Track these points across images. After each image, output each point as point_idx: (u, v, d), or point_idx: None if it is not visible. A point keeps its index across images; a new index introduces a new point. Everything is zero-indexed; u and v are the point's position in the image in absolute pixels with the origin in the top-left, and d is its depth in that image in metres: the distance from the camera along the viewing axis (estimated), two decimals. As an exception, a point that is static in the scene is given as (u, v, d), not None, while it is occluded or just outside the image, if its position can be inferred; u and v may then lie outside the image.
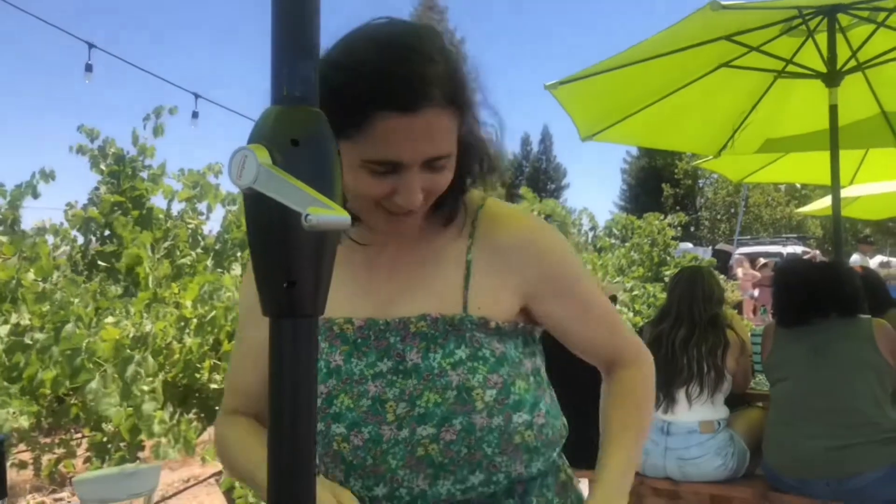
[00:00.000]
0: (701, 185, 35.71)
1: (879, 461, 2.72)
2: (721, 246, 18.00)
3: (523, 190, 8.43)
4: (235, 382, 1.25)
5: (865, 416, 2.81)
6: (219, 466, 4.69)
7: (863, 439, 2.78)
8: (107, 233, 3.80)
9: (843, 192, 7.05)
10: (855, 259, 9.78)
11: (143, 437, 3.52)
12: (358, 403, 1.10)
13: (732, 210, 27.34)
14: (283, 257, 0.63)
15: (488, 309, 1.11)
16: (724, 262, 14.80)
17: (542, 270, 1.16)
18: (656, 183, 36.57)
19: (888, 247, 27.11)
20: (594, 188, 70.94)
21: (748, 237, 24.03)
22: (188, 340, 3.86)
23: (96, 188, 4.08)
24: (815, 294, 3.03)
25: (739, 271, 12.91)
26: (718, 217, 31.32)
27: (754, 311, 10.51)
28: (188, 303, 3.99)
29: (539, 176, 45.93)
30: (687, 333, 3.13)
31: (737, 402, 3.35)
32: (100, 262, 3.80)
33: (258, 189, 0.58)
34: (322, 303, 0.70)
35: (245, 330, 1.24)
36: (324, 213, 0.53)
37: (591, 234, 10.42)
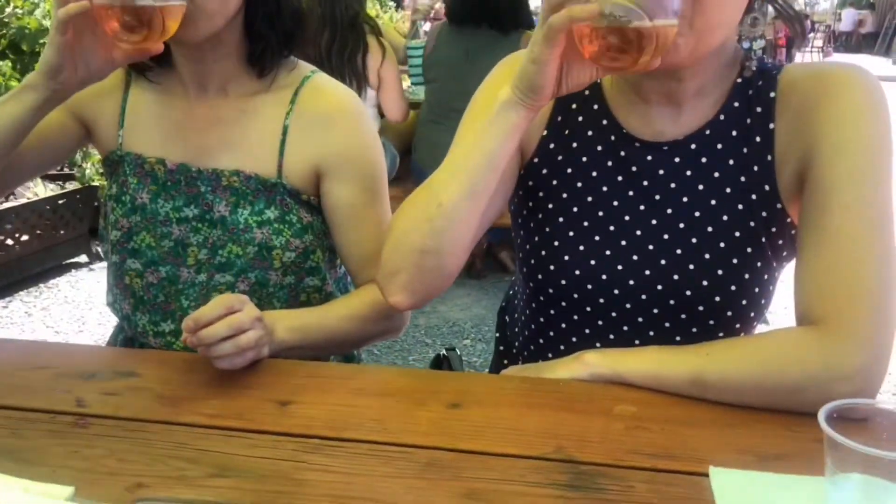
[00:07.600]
0: None
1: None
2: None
3: None
4: None
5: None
6: None
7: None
8: None
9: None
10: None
11: None
12: (160, 243, 1.17)
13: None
14: None
15: (298, 179, 1.16)
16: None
17: (341, 148, 1.17)
18: None
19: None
20: None
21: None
22: None
23: None
24: None
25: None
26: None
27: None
28: None
29: None
30: (329, 37, 2.94)
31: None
32: None
33: None
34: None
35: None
36: None
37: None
